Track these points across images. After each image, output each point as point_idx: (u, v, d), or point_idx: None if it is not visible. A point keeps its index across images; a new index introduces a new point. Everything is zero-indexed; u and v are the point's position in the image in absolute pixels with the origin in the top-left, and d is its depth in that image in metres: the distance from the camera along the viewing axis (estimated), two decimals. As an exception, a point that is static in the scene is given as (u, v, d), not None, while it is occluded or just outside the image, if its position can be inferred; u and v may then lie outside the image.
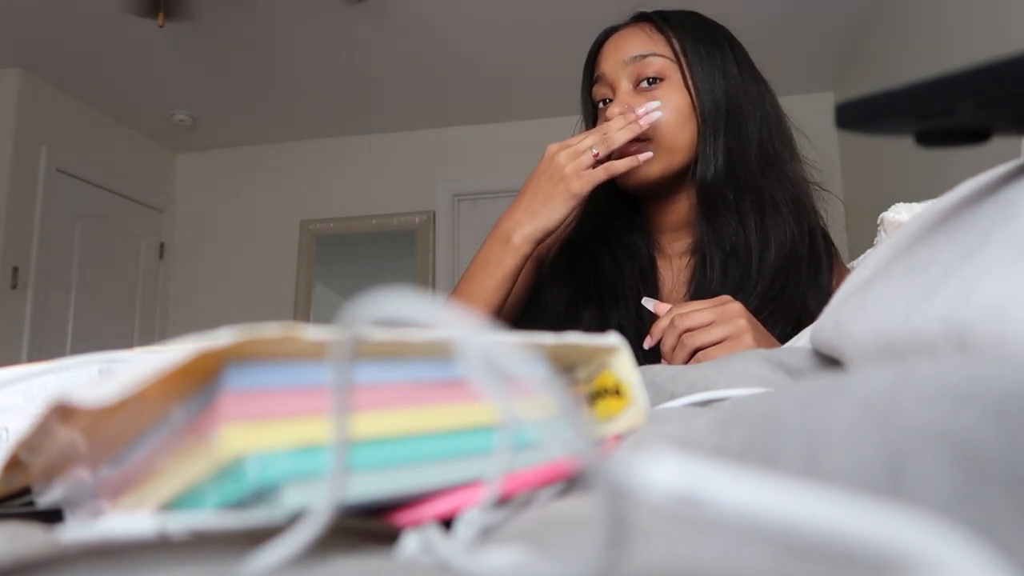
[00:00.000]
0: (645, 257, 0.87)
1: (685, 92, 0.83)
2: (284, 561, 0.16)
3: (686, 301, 0.83)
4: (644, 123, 0.79)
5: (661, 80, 0.84)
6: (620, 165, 0.77)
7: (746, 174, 0.82)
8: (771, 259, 0.79)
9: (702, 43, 0.85)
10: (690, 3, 0.98)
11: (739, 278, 0.80)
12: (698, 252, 0.84)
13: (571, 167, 0.76)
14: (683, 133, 0.83)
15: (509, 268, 0.78)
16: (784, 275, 0.79)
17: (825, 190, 0.90)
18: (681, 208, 0.87)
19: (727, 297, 0.70)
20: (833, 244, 0.88)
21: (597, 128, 0.79)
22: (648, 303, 0.76)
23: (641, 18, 0.89)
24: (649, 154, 0.79)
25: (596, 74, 0.89)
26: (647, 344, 0.71)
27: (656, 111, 0.80)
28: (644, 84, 0.84)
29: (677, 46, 0.84)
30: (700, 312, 0.68)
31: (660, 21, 0.86)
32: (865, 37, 2.98)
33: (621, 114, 0.80)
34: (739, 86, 0.84)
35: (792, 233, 0.80)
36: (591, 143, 0.77)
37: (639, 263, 0.85)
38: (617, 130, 0.77)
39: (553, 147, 0.79)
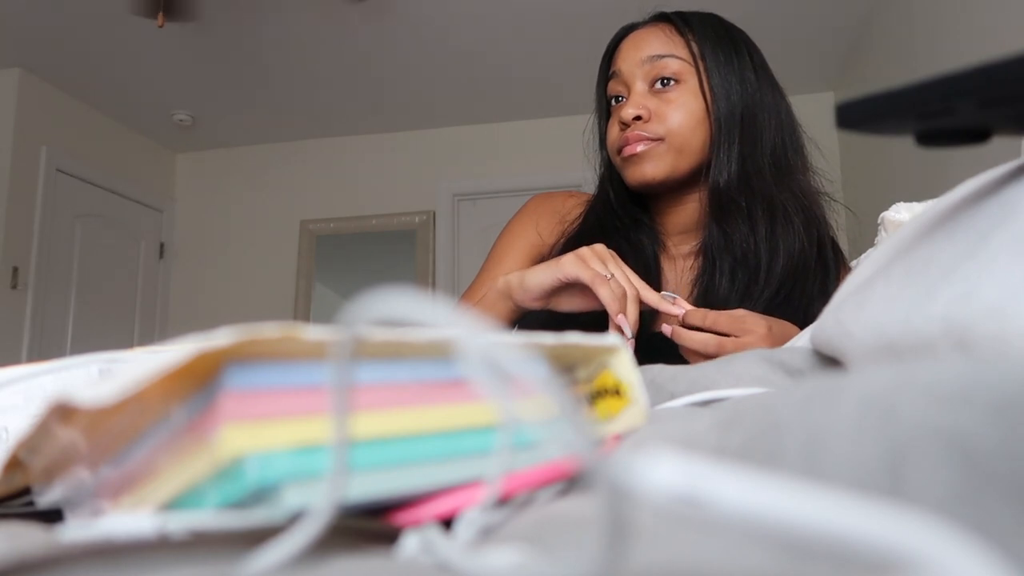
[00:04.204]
0: (650, 256, 0.87)
1: (700, 96, 0.83)
2: (284, 561, 0.16)
3: (688, 302, 0.83)
4: (676, 311, 0.71)
5: (677, 82, 0.84)
6: (623, 320, 0.67)
7: (759, 182, 0.82)
8: (779, 268, 0.79)
9: (721, 47, 0.84)
10: (693, 3, 0.98)
11: (746, 285, 0.80)
12: (705, 256, 0.83)
13: (588, 254, 0.70)
14: (695, 137, 0.83)
15: (489, 300, 0.77)
16: (790, 284, 0.79)
17: (835, 200, 0.90)
18: (690, 210, 0.87)
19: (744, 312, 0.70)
20: (842, 253, 0.88)
21: (640, 280, 0.71)
22: (668, 297, 0.73)
23: (661, 18, 0.88)
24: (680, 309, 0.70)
25: (612, 70, 0.89)
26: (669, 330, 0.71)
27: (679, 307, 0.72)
28: (659, 85, 0.84)
29: (696, 49, 0.84)
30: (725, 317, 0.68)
31: (680, 23, 0.86)
32: (865, 36, 2.98)
33: (666, 296, 0.72)
34: (755, 93, 0.84)
35: (801, 243, 0.80)
36: (623, 274, 0.69)
37: (644, 261, 0.85)
38: (646, 291, 0.70)
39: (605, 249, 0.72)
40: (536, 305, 0.74)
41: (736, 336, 0.67)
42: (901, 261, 0.32)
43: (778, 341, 0.67)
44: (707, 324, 0.69)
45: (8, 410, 0.32)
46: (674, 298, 0.72)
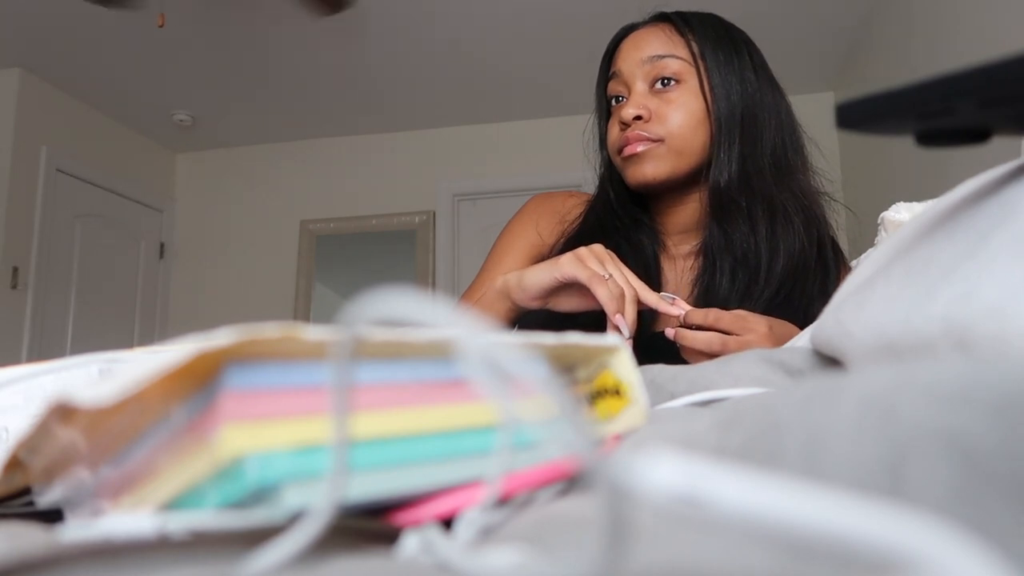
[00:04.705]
0: (650, 256, 0.87)
1: (700, 96, 0.83)
2: (284, 561, 0.16)
3: (688, 302, 0.83)
4: (675, 311, 0.71)
5: (677, 82, 0.84)
6: (619, 320, 0.67)
7: (760, 182, 0.82)
8: (779, 268, 0.79)
9: (721, 48, 0.85)
10: (693, 3, 0.98)
11: (747, 284, 0.80)
12: (705, 256, 0.84)
13: (586, 254, 0.70)
14: (696, 137, 0.83)
15: (488, 300, 0.77)
16: (790, 284, 0.79)
17: (835, 200, 0.90)
18: (690, 210, 0.87)
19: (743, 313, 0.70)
20: (842, 253, 0.88)
21: (639, 281, 0.71)
22: (667, 298, 0.73)
23: (661, 18, 0.89)
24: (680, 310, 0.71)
25: (612, 70, 0.89)
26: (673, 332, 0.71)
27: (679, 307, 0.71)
28: (659, 85, 0.84)
29: (696, 49, 0.84)
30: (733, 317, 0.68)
31: (680, 23, 0.86)
32: (865, 36, 2.98)
33: (651, 290, 0.71)
34: (756, 93, 0.84)
35: (801, 243, 0.80)
36: (621, 275, 0.69)
37: (644, 261, 0.85)
38: (645, 292, 0.70)
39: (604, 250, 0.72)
40: (535, 305, 0.74)
41: (738, 335, 0.67)
42: (901, 261, 0.32)
43: (779, 341, 0.67)
44: (709, 322, 0.69)
45: (8, 410, 0.32)
46: (673, 299, 0.72)
